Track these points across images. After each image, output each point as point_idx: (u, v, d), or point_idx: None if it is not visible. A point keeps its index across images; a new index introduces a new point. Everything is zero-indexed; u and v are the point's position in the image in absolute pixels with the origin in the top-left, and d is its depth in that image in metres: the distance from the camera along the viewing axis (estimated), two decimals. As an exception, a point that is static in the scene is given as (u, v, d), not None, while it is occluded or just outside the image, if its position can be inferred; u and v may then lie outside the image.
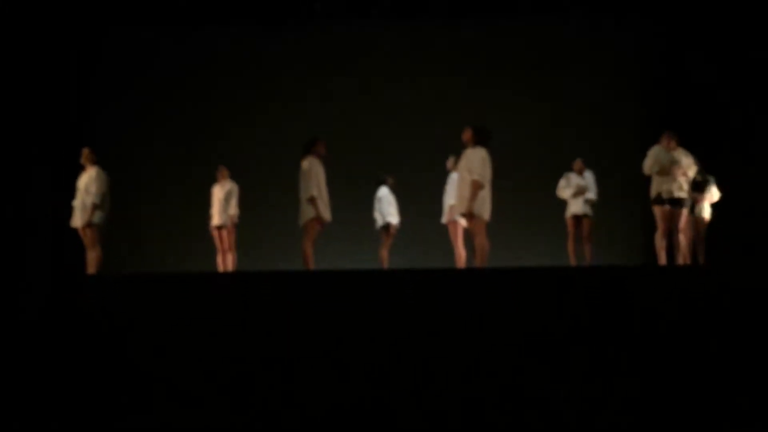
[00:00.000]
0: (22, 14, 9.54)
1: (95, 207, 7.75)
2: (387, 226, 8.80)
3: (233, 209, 9.06)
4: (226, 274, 8.31)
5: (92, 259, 7.81)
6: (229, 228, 9.05)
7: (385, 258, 8.79)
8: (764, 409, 4.13)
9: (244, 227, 9.98)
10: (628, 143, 10.24)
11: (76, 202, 7.85)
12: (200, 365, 4.55)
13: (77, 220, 7.84)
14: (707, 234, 8.45)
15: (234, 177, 9.45)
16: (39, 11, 9.71)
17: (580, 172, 9.12)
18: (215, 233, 9.14)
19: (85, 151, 7.98)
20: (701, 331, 4.48)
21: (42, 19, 9.81)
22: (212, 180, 9.28)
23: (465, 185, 6.62)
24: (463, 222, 7.58)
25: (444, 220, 8.54)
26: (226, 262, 9.08)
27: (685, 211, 7.55)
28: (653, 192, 7.52)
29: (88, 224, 7.78)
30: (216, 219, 9.10)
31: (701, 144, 8.61)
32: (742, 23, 9.50)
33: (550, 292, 4.79)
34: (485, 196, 6.61)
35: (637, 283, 4.96)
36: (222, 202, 9.06)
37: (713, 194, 8.41)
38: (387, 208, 8.81)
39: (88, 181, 7.83)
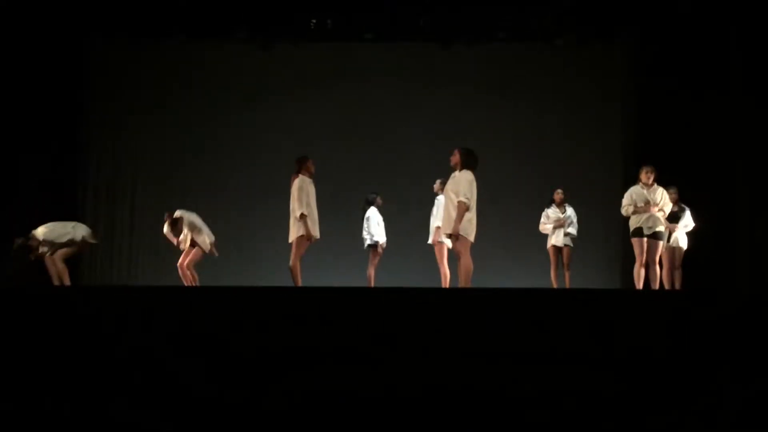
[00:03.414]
0: (12, 27, 9.65)
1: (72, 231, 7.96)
2: (375, 245, 8.96)
3: (209, 236, 8.83)
4: (212, 289, 8.36)
5: (61, 271, 7.93)
6: (193, 249, 8.80)
7: (372, 276, 8.94)
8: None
9: (233, 243, 10.13)
10: (611, 173, 10.52)
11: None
12: (181, 384, 4.57)
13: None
14: (684, 262, 8.68)
15: (223, 193, 9.52)
16: (26, 22, 9.80)
17: (560, 204, 9.34)
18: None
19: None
20: (676, 354, 4.63)
21: (28, 32, 9.89)
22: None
23: (452, 207, 6.76)
24: (448, 243, 7.76)
25: (430, 240, 8.72)
26: (186, 278, 8.85)
27: (661, 244, 7.78)
28: (632, 225, 7.75)
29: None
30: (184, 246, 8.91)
31: (680, 174, 8.85)
32: (725, 57, 9.78)
33: (532, 313, 4.93)
34: (471, 218, 6.74)
35: (615, 306, 5.12)
36: (190, 237, 8.81)
37: (688, 224, 8.66)
38: (375, 227, 8.97)
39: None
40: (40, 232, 8.05)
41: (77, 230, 8.18)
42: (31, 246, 8.07)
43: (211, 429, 4.32)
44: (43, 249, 8.01)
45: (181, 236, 8.80)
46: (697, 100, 9.93)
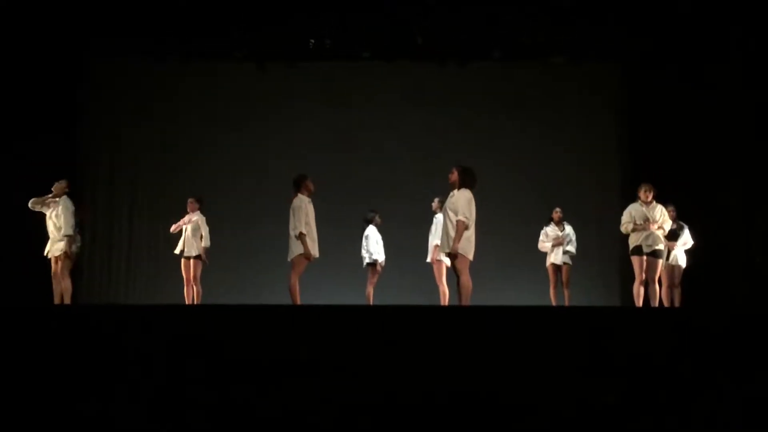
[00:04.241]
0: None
1: (70, 238, 7.91)
2: (373, 264, 8.96)
3: (206, 242, 9.08)
4: (211, 307, 8.37)
5: (65, 289, 7.90)
6: (195, 261, 9.09)
7: (371, 295, 8.93)
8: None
9: (232, 262, 10.12)
10: (608, 191, 10.56)
11: (50, 235, 7.99)
12: (179, 401, 4.55)
13: (52, 250, 7.97)
14: (683, 280, 8.70)
15: (220, 211, 9.56)
16: (27, 39, 9.86)
17: (558, 222, 9.35)
18: (182, 264, 9.20)
19: (63, 183, 8.11)
20: (675, 369, 4.62)
21: (28, 48, 9.94)
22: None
23: (450, 225, 6.77)
24: (447, 261, 7.76)
25: (429, 259, 8.73)
26: (190, 293, 9.10)
27: (660, 262, 7.79)
28: (631, 243, 7.77)
29: (62, 254, 7.92)
30: (184, 250, 9.15)
31: (676, 191, 8.89)
32: (720, 76, 9.85)
33: (531, 331, 4.92)
34: (470, 236, 6.75)
35: (615, 323, 5.12)
36: (189, 233, 9.12)
37: (687, 241, 8.68)
38: (374, 246, 8.98)
39: (58, 214, 7.96)
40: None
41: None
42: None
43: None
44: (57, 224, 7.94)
45: (183, 224, 9.11)
46: (693, 118, 10.00)
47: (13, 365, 4.62)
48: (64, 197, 8.05)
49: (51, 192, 8.08)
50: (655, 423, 4.33)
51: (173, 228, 9.26)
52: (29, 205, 8.06)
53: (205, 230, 9.08)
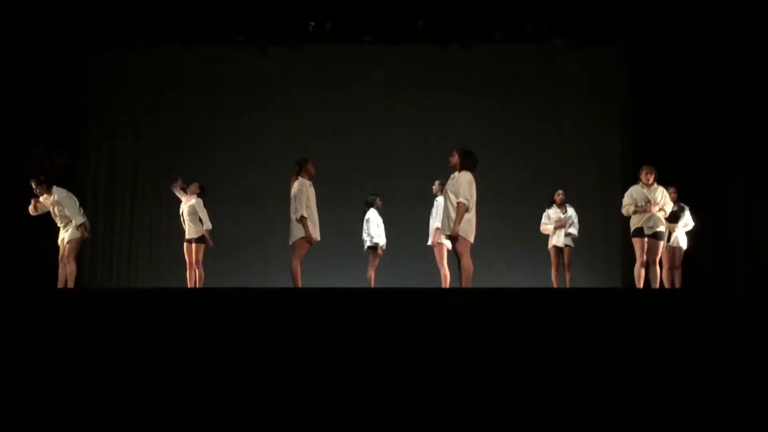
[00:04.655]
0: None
1: (82, 225, 7.94)
2: (375, 247, 8.98)
3: (206, 224, 9.08)
4: (213, 290, 8.40)
5: (70, 273, 7.93)
6: (196, 244, 9.08)
7: (372, 278, 8.95)
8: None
9: (233, 246, 10.14)
10: (610, 173, 10.56)
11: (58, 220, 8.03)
12: (182, 384, 4.58)
13: (63, 237, 8.00)
14: (684, 262, 8.71)
15: (225, 195, 9.56)
16: (28, 27, 9.81)
17: (561, 205, 9.35)
18: (185, 247, 9.21)
19: (34, 181, 8.04)
20: (676, 352, 4.64)
21: (29, 36, 9.91)
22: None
23: (451, 208, 6.78)
24: (448, 244, 7.77)
25: (430, 242, 8.74)
26: (192, 276, 9.13)
27: (662, 244, 7.80)
28: (632, 225, 7.77)
29: (74, 240, 7.94)
30: (186, 233, 9.17)
31: (680, 174, 8.88)
32: (722, 57, 9.81)
33: (532, 313, 4.94)
34: (471, 218, 6.75)
35: (615, 305, 5.14)
36: (186, 217, 9.11)
37: (688, 223, 8.68)
38: (375, 229, 8.99)
39: (59, 204, 7.98)
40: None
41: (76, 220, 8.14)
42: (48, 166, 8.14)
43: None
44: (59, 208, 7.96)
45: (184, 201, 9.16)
46: (694, 100, 9.97)
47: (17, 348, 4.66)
48: (55, 188, 8.02)
49: (35, 194, 8.06)
50: (657, 407, 4.36)
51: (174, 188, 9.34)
52: (31, 213, 8.11)
53: (203, 214, 9.06)
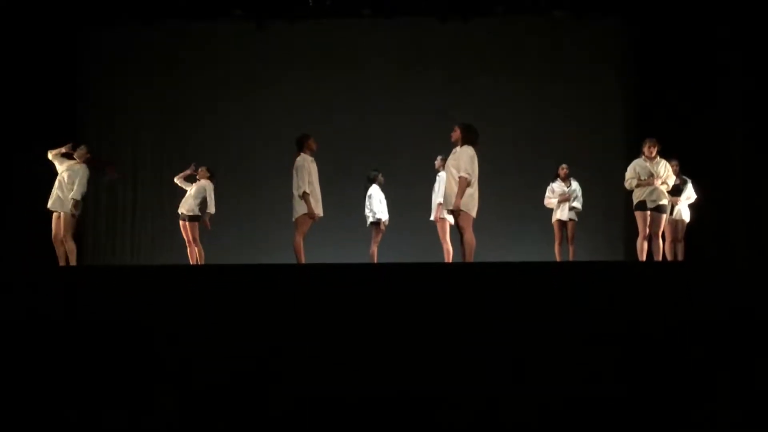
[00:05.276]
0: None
1: (76, 202, 7.96)
2: (377, 223, 8.97)
3: (210, 208, 9.13)
4: (216, 267, 8.41)
5: (69, 251, 7.96)
6: (191, 223, 9.13)
7: (375, 254, 8.96)
8: (741, 404, 4.28)
9: (235, 223, 10.14)
10: (612, 147, 10.51)
11: (56, 190, 8.02)
12: (188, 361, 4.59)
13: (54, 205, 8.01)
14: (686, 234, 8.71)
15: (226, 172, 9.53)
16: (20, 9, 9.76)
17: (565, 178, 9.32)
18: (180, 225, 9.28)
19: (84, 149, 8.17)
20: (678, 327, 4.65)
21: (21, 18, 9.85)
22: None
23: (453, 183, 6.77)
24: (450, 219, 7.77)
25: (432, 217, 8.74)
26: (193, 253, 9.19)
27: (664, 217, 7.79)
28: (635, 198, 7.75)
29: (65, 215, 7.97)
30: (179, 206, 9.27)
31: (682, 145, 8.85)
32: (721, 27, 9.73)
33: (535, 286, 4.95)
34: (473, 193, 6.73)
35: (618, 278, 5.15)
36: (192, 192, 9.19)
37: (690, 196, 8.67)
38: (377, 205, 8.97)
39: (73, 175, 7.98)
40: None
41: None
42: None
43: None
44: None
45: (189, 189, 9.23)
46: (696, 73, 9.91)
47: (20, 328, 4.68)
48: (84, 166, 8.11)
49: (71, 151, 8.14)
50: (656, 383, 4.38)
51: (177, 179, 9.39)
52: (48, 155, 8.14)
53: (211, 198, 9.12)
